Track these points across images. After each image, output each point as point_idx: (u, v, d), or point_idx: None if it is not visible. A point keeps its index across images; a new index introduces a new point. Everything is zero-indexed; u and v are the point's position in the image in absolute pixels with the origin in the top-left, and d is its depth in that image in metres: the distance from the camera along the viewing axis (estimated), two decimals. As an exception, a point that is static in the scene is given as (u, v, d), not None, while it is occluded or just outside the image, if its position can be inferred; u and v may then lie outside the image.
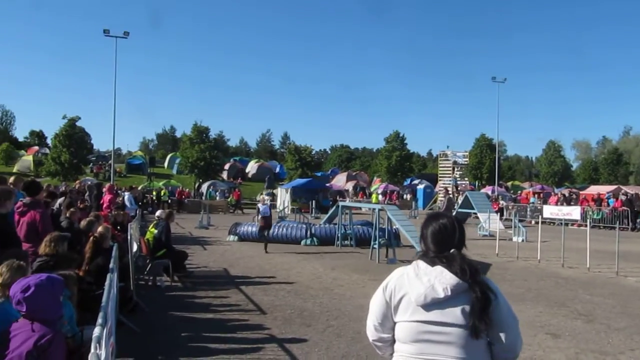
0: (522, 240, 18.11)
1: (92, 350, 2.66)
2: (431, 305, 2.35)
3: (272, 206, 37.15)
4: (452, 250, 2.47)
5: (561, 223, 17.37)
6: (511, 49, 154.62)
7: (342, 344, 6.53)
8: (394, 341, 2.53)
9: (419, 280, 2.40)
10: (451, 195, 32.60)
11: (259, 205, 16.93)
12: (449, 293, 2.33)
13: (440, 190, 42.56)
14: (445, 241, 2.51)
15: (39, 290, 3.05)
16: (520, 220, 22.11)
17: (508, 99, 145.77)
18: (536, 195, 39.71)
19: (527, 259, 14.52)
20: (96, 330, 2.98)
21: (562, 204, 32.19)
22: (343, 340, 6.68)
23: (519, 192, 47.36)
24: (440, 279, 2.36)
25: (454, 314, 2.33)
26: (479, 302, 2.33)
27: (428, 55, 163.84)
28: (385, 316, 2.51)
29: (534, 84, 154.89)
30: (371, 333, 2.60)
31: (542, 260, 14.03)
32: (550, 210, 30.74)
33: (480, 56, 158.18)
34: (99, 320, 3.17)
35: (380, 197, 44.58)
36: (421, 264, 2.47)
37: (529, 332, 7.20)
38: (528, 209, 33.37)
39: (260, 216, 16.09)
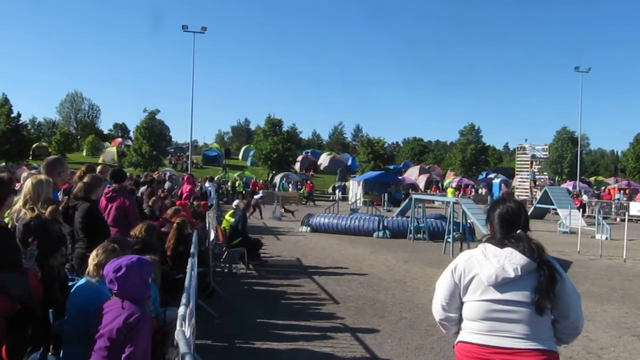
0: (606, 238, 17.23)
1: (178, 327, 2.77)
2: (501, 285, 2.50)
3: (344, 198, 37.57)
4: (518, 231, 2.61)
5: (650, 221, 16.38)
6: (599, 38, 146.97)
7: (416, 336, 6.48)
8: (460, 320, 2.69)
9: (489, 262, 2.54)
10: (507, 189, 31.58)
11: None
12: (520, 273, 2.47)
13: (517, 185, 41.13)
14: (512, 223, 2.65)
15: (129, 271, 3.21)
16: (604, 217, 21.05)
17: (592, 91, 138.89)
18: (622, 192, 37.62)
19: (611, 257, 13.80)
20: (181, 309, 3.11)
21: (650, 201, 30.35)
22: (416, 332, 6.63)
23: (603, 187, 45.04)
24: (511, 260, 2.50)
25: (523, 293, 2.49)
26: (546, 281, 2.47)
27: (505, 45, 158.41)
28: (453, 296, 2.67)
29: (621, 75, 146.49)
30: (438, 312, 2.75)
31: (629, 260, 13.29)
32: (637, 207, 29.03)
33: (562, 47, 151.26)
34: (183, 300, 3.31)
35: (443, 190, 43.74)
36: (489, 246, 2.62)
37: (614, 333, 6.87)
38: (613, 206, 31.65)
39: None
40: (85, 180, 5.85)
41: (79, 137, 77.75)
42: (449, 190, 39.08)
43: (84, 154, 63.64)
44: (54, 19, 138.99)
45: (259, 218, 22.70)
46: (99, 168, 8.04)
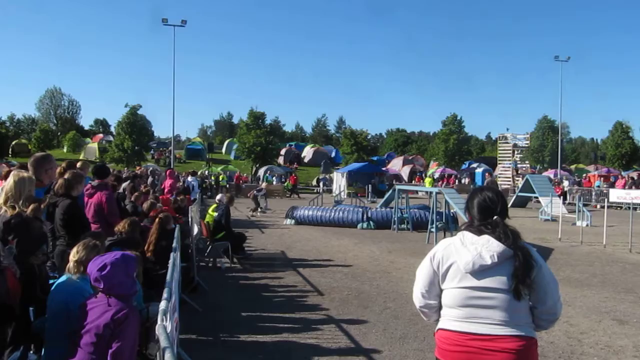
0: (587, 225, 17.46)
1: (159, 322, 2.77)
2: (479, 272, 2.54)
3: (329, 190, 37.62)
4: (495, 218, 2.65)
5: (629, 207, 16.62)
6: (576, 27, 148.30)
7: (400, 325, 6.54)
8: (439, 307, 2.72)
9: (466, 249, 2.58)
10: (492, 178, 31.94)
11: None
12: (496, 260, 2.51)
13: (499, 174, 41.49)
14: (489, 210, 2.69)
15: (114, 268, 3.20)
16: (584, 205, 21.34)
17: (572, 79, 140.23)
18: (602, 179, 38.13)
19: (592, 244, 14.01)
20: (162, 304, 3.11)
21: (630, 188, 30.79)
22: (400, 321, 6.69)
23: (584, 175, 45.61)
24: (487, 247, 2.54)
25: (500, 279, 2.53)
26: (522, 266, 2.51)
27: (486, 35, 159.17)
28: (432, 284, 2.70)
29: (600, 64, 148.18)
30: (418, 300, 2.79)
31: (608, 246, 13.50)
32: (617, 194, 29.45)
33: (543, 36, 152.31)
34: (164, 295, 3.31)
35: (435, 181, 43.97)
36: (467, 234, 2.66)
37: (594, 318, 7.00)
38: (593, 193, 32.09)
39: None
40: (65, 176, 5.80)
41: (59, 133, 76.71)
42: (427, 180, 39.28)
43: (65, 150, 62.80)
44: (29, 15, 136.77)
45: (260, 212, 22.59)
46: (79, 164, 7.97)
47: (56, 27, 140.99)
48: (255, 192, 24.02)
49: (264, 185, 32.03)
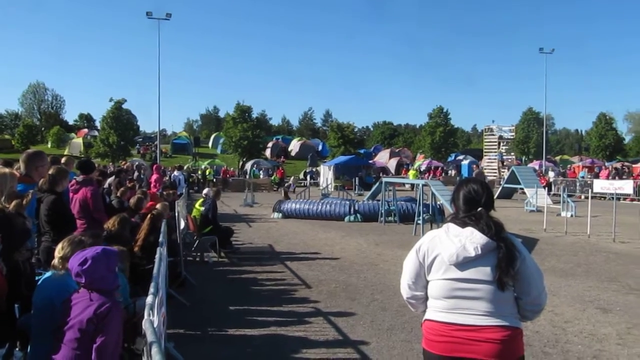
0: (571, 215, 17.66)
1: (146, 316, 2.77)
2: (463, 263, 2.56)
3: (316, 184, 37.65)
4: (479, 209, 2.67)
5: (612, 197, 16.82)
6: (561, 18, 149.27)
7: (387, 317, 6.58)
8: (426, 298, 2.75)
9: (451, 241, 2.60)
10: (480, 169, 32.25)
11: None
12: (480, 252, 2.53)
13: (485, 166, 41.78)
14: (474, 202, 2.71)
15: (95, 263, 3.18)
16: (569, 195, 21.56)
17: (557, 71, 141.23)
18: (586, 170, 38.54)
19: (576, 234, 14.17)
20: (149, 299, 3.10)
21: (613, 178, 31.16)
22: (388, 313, 6.73)
23: (568, 166, 46.06)
24: (471, 239, 2.56)
25: (484, 271, 2.55)
26: (505, 258, 2.53)
27: (469, 28, 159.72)
28: (419, 275, 2.73)
29: (584, 55, 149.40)
30: (405, 291, 2.81)
31: (592, 235, 13.67)
32: (601, 185, 29.79)
33: (527, 26, 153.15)
34: (151, 290, 3.30)
35: (419, 173, 44.19)
36: (452, 226, 2.68)
37: (578, 307, 7.09)
38: (577, 184, 32.42)
39: None
40: (50, 172, 5.75)
41: (43, 128, 75.85)
42: (411, 172, 39.44)
43: (49, 145, 62.14)
44: (12, 10, 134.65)
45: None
46: (63, 160, 7.90)
47: (38, 22, 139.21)
48: (285, 187, 26.90)
49: (291, 180, 32.63)
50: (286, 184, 28.69)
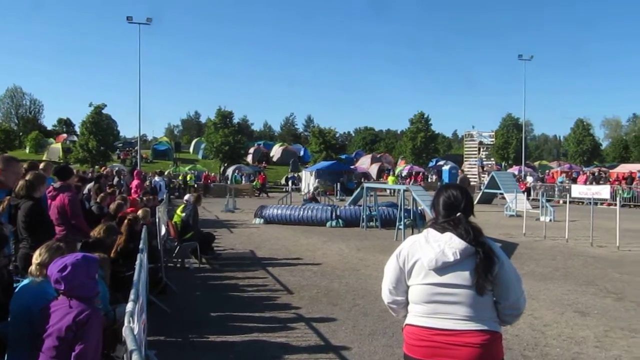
0: (550, 220, 17.89)
1: (126, 324, 2.75)
2: (442, 268, 2.58)
3: (297, 189, 37.61)
4: (458, 214, 2.69)
5: (590, 202, 17.08)
6: (539, 24, 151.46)
7: (369, 322, 6.59)
8: (407, 303, 2.76)
9: (430, 246, 2.62)
10: (464, 175, 32.61)
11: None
12: (458, 257, 2.55)
13: (466, 171, 42.16)
14: (453, 207, 2.73)
15: (75, 269, 3.15)
16: (547, 200, 21.84)
17: (536, 77, 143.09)
18: (564, 175, 39.08)
19: (554, 238, 14.36)
20: (129, 306, 3.07)
21: (591, 183, 31.64)
22: (369, 318, 6.74)
23: (547, 171, 46.66)
24: (450, 244, 2.58)
25: (463, 276, 2.57)
26: (483, 262, 2.55)
27: (449, 34, 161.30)
28: (399, 280, 2.75)
29: (561, 61, 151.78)
30: (386, 296, 2.83)
31: (570, 240, 13.86)
32: (578, 190, 30.20)
33: (507, 32, 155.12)
34: (131, 297, 3.27)
35: (399, 178, 44.40)
36: (431, 231, 2.70)
37: (557, 310, 7.18)
38: (556, 189, 32.87)
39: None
40: (27, 177, 5.67)
41: (21, 133, 74.80)
42: (390, 178, 39.63)
43: (27, 151, 61.31)
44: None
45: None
46: (42, 165, 7.79)
47: (15, 26, 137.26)
48: (312, 193, 27.08)
49: (317, 182, 32.87)
50: (314, 188, 29.89)
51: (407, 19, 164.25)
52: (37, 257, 3.57)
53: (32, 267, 3.56)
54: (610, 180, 33.45)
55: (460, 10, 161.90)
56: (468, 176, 38.29)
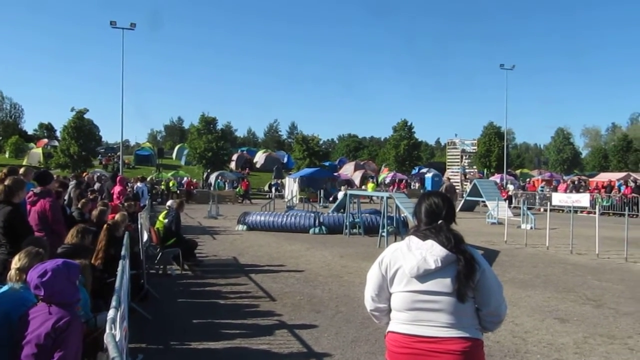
0: (531, 228, 18.07)
1: (107, 330, 2.72)
2: (423, 276, 2.59)
3: (281, 196, 37.55)
4: (439, 222, 2.71)
5: (570, 210, 17.30)
6: (519, 35, 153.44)
7: (352, 329, 6.60)
8: (389, 310, 2.77)
9: (412, 254, 2.63)
10: (451, 182, 32.93)
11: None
12: (440, 264, 2.57)
13: (448, 179, 42.46)
14: (435, 215, 2.75)
15: (55, 275, 3.12)
16: (529, 208, 22.08)
17: (517, 85, 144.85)
18: (545, 183, 39.54)
19: (535, 245, 14.50)
20: (111, 312, 3.04)
21: (571, 192, 32.05)
22: (352, 325, 6.75)
23: (528, 180, 47.16)
24: (432, 252, 2.60)
25: (444, 283, 2.58)
26: (464, 269, 2.57)
27: (433, 43, 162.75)
28: (382, 288, 2.75)
29: (542, 71, 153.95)
30: (369, 304, 2.84)
31: (551, 247, 14.02)
32: (559, 198, 30.60)
33: (489, 41, 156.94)
34: (113, 303, 3.24)
35: (382, 185, 44.58)
36: (413, 239, 2.71)
37: (537, 317, 7.25)
38: (537, 197, 33.26)
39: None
40: (6, 182, 5.61)
41: (0, 138, 73.76)
42: (370, 185, 39.75)
43: (7, 155, 60.49)
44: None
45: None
46: (22, 170, 7.72)
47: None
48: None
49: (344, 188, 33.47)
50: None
51: (392, 27, 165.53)
52: (16, 262, 3.53)
53: (12, 272, 3.52)
54: (590, 188, 33.92)
55: (443, 19, 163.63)
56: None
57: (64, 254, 5.25)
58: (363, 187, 41.33)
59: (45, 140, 69.31)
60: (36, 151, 57.44)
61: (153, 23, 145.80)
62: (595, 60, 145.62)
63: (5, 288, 3.57)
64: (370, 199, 33.24)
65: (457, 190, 36.75)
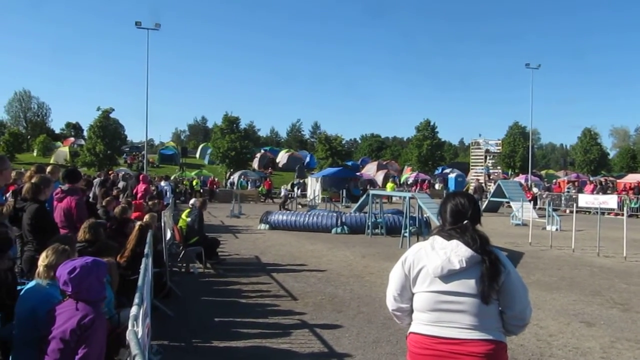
0: (556, 230, 17.80)
1: (130, 327, 2.75)
2: (447, 276, 2.56)
3: (303, 195, 37.60)
4: (465, 222, 2.67)
5: (597, 212, 16.99)
6: (546, 32, 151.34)
7: (373, 329, 6.56)
8: (412, 311, 2.74)
9: (436, 254, 2.60)
10: (479, 183, 32.61)
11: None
12: (464, 265, 2.53)
13: (471, 179, 42.06)
14: (461, 215, 2.71)
15: (84, 272, 3.16)
16: (554, 210, 21.75)
17: (543, 85, 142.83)
18: (571, 184, 38.91)
19: (561, 248, 14.27)
20: (133, 309, 3.07)
21: (598, 193, 31.49)
22: (374, 326, 6.72)
23: (553, 180, 46.46)
24: (456, 252, 2.56)
25: (469, 284, 2.54)
26: (489, 271, 2.52)
27: (456, 42, 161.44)
28: (404, 287, 2.72)
29: (569, 70, 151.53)
30: (391, 303, 2.81)
31: (577, 250, 13.78)
32: (585, 199, 30.07)
33: (515, 39, 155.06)
34: (136, 300, 3.27)
35: (405, 186, 44.32)
36: (438, 238, 2.68)
37: (562, 320, 7.13)
38: (562, 198, 32.71)
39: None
40: (33, 180, 5.70)
41: (29, 137, 75.28)
42: (389, 185, 39.53)
43: (35, 154, 61.68)
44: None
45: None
46: (49, 168, 7.84)
47: (26, 29, 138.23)
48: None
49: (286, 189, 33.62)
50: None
51: (415, 27, 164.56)
52: (43, 260, 3.58)
53: (40, 269, 3.57)
54: (618, 190, 33.29)
55: (466, 18, 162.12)
56: (472, 184, 38.29)
57: (85, 252, 5.29)
58: (397, 187, 41.16)
59: (72, 139, 70.49)
60: (63, 150, 58.41)
61: (177, 21, 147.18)
62: (624, 59, 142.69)
63: (32, 284, 3.63)
64: (389, 199, 33.05)
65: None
